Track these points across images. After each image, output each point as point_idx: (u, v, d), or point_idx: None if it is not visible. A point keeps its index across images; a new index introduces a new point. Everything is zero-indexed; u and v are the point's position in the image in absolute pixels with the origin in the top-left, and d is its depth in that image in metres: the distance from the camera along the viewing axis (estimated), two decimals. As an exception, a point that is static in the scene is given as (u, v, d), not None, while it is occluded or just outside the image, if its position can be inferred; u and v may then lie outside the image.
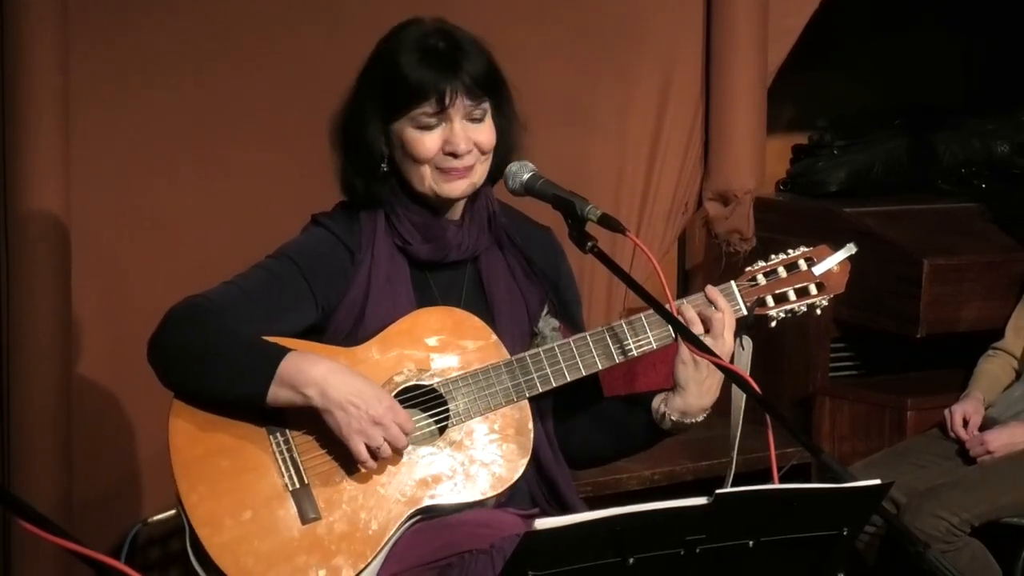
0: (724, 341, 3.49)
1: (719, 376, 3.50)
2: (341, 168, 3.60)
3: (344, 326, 3.56)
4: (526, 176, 3.53)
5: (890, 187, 6.00)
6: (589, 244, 3.46)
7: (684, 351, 3.49)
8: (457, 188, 3.54)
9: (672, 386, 3.55)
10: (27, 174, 4.17)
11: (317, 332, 3.57)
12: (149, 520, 4.16)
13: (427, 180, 3.53)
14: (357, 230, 3.61)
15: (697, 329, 3.46)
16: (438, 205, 3.59)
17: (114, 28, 4.37)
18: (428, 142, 3.50)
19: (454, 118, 3.50)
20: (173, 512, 3.58)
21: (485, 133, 3.54)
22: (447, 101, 3.49)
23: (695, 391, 3.53)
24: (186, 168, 4.48)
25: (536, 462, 3.59)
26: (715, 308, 3.52)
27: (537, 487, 3.62)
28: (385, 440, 3.41)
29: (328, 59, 4.31)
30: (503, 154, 3.59)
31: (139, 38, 4.42)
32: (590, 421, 3.71)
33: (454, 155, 3.50)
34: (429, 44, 3.52)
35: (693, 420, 3.57)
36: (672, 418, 3.56)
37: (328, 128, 3.60)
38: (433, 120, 3.50)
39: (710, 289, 3.55)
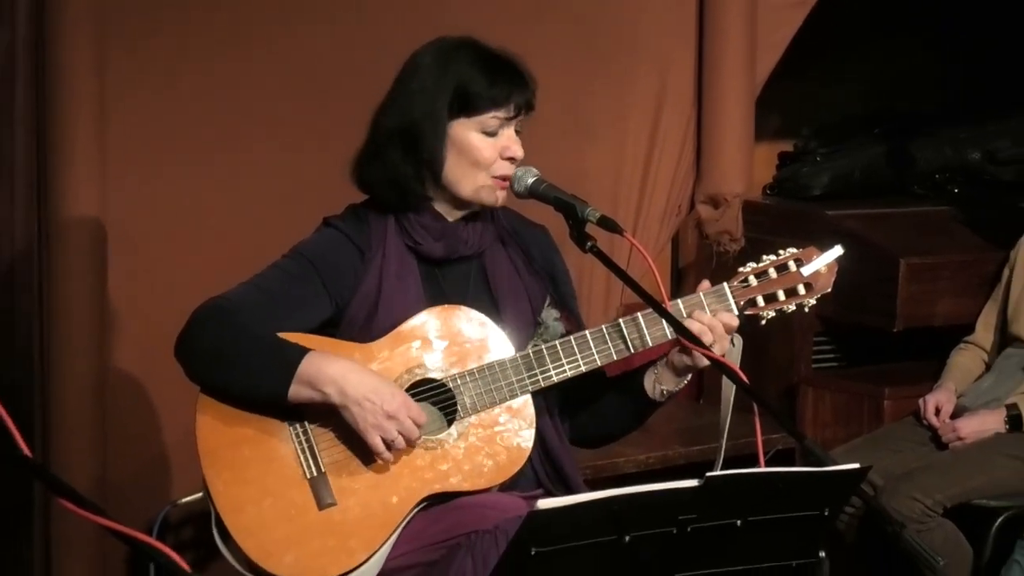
0: (721, 346, 3.50)
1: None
2: (386, 159, 3.61)
3: (357, 320, 3.56)
4: (530, 180, 3.53)
5: (869, 191, 6.00)
6: (589, 244, 3.46)
7: (675, 351, 3.51)
8: (503, 197, 3.57)
9: (665, 362, 3.57)
10: (64, 174, 4.17)
11: (332, 326, 3.56)
12: (178, 502, 4.16)
13: (478, 187, 3.54)
14: (366, 230, 3.60)
15: (707, 338, 3.46)
16: (464, 207, 3.60)
17: (147, 32, 4.36)
18: (490, 147, 3.52)
19: (511, 127, 3.54)
20: (200, 495, 3.58)
21: (521, 145, 3.57)
22: (516, 111, 3.53)
23: (686, 375, 3.57)
24: (215, 168, 4.47)
25: (543, 448, 3.59)
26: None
27: (544, 470, 3.62)
28: (399, 433, 3.42)
29: (352, 64, 4.27)
30: None
31: (171, 41, 4.41)
32: (591, 406, 3.71)
33: (512, 160, 3.53)
34: (500, 58, 3.57)
35: (678, 388, 3.60)
36: (664, 389, 3.58)
37: (373, 128, 3.59)
38: (497, 127, 3.52)
39: (704, 293, 3.57)
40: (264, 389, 3.42)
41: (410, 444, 3.46)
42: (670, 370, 3.56)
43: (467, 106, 3.53)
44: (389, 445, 3.42)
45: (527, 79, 3.56)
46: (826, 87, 6.28)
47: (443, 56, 3.57)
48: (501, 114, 3.52)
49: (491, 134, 3.53)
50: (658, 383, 3.58)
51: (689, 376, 3.59)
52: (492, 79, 3.52)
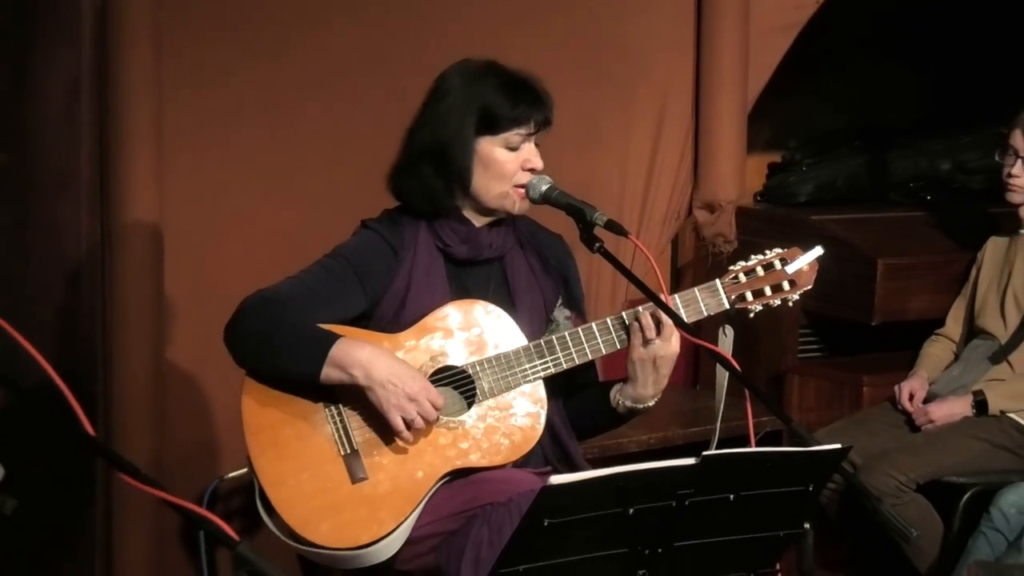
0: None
1: (665, 373, 3.53)
2: (418, 172, 3.60)
3: (388, 313, 3.57)
4: (544, 187, 3.54)
5: (850, 198, 5.99)
6: (597, 245, 3.47)
7: (637, 351, 3.52)
8: (525, 206, 3.58)
9: (625, 379, 3.58)
10: (124, 181, 4.17)
11: (365, 319, 3.57)
12: (226, 476, 4.17)
13: (503, 197, 3.55)
14: (400, 233, 3.61)
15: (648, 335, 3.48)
16: (488, 214, 3.60)
17: (200, 49, 4.34)
18: (513, 161, 3.54)
19: (531, 141, 3.56)
20: (245, 470, 3.58)
21: (540, 157, 3.58)
22: (536, 128, 3.55)
23: (643, 383, 3.55)
24: (261, 173, 4.46)
25: (551, 430, 3.60)
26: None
27: (551, 450, 3.63)
28: (418, 414, 3.42)
29: (392, 74, 4.23)
30: None
31: (221, 56, 4.40)
32: (580, 401, 3.73)
33: (533, 170, 3.54)
34: (521, 79, 3.58)
35: (644, 406, 3.59)
36: (626, 404, 3.59)
37: (407, 145, 3.60)
38: (520, 142, 3.54)
39: (699, 291, 3.57)
40: (300, 370, 3.43)
41: (429, 424, 3.46)
42: (629, 385, 3.57)
43: (492, 126, 3.54)
44: (409, 424, 3.43)
45: (545, 98, 3.57)
46: (810, 104, 6.26)
47: (469, 79, 3.57)
48: (523, 131, 3.54)
49: (514, 148, 3.54)
50: (619, 395, 3.60)
51: (651, 402, 3.59)
52: (515, 100, 3.53)
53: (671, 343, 3.49)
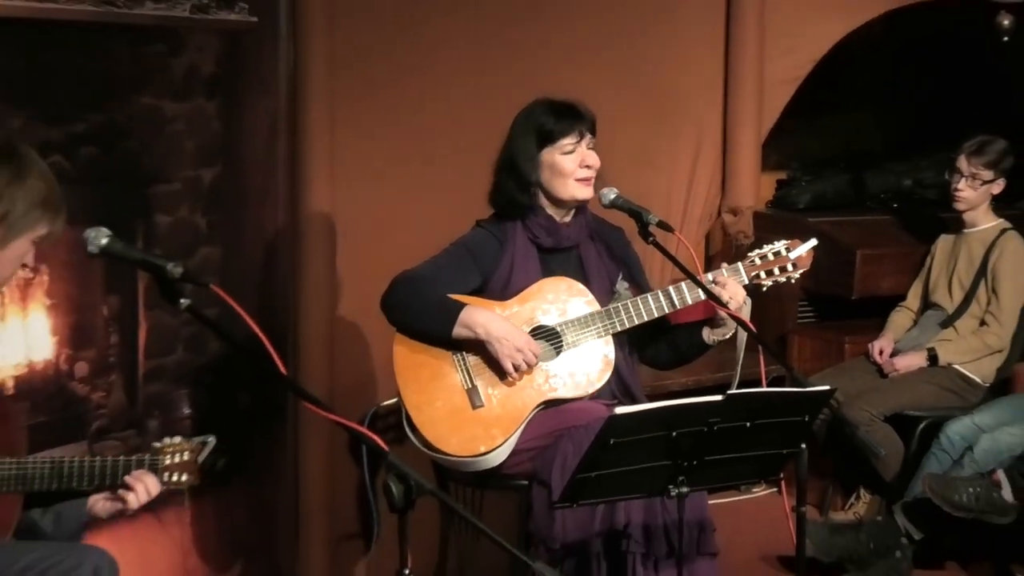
0: (736, 297, 3.47)
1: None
2: (502, 186, 3.58)
3: (496, 288, 3.58)
4: (612, 196, 3.52)
5: (837, 206, 5.92)
6: (650, 238, 3.47)
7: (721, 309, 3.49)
8: (589, 192, 3.55)
9: (712, 321, 3.58)
10: (307, 187, 4.16)
11: (479, 292, 3.58)
12: (381, 404, 4.18)
13: (570, 189, 3.54)
14: (504, 229, 3.62)
15: (724, 296, 3.46)
16: (564, 209, 3.56)
17: (365, 97, 4.31)
18: (571, 161, 3.52)
19: (583, 145, 3.53)
20: (395, 400, 3.60)
21: (596, 157, 3.56)
22: (580, 135, 3.53)
23: (724, 327, 3.57)
24: (409, 182, 4.43)
25: (616, 373, 3.58)
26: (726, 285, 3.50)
27: (617, 388, 3.63)
28: (523, 360, 3.42)
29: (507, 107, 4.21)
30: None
31: (388, 88, 4.36)
32: (659, 343, 3.71)
33: (588, 167, 3.52)
34: (564, 103, 3.57)
35: (724, 338, 3.59)
36: (713, 338, 3.58)
37: (495, 170, 3.62)
38: (572, 147, 3.51)
39: (725, 268, 3.54)
40: (436, 328, 3.45)
41: (530, 368, 3.46)
42: (718, 326, 3.57)
43: (547, 139, 3.53)
44: (517, 368, 3.43)
45: (583, 112, 3.55)
46: (807, 137, 6.22)
47: (527, 113, 3.59)
48: (572, 139, 3.52)
49: (569, 153, 3.51)
50: (711, 334, 3.59)
51: (726, 333, 3.57)
52: (558, 117, 3.53)
53: (736, 300, 3.48)
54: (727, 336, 3.59)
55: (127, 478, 2.79)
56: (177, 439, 2.88)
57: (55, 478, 2.69)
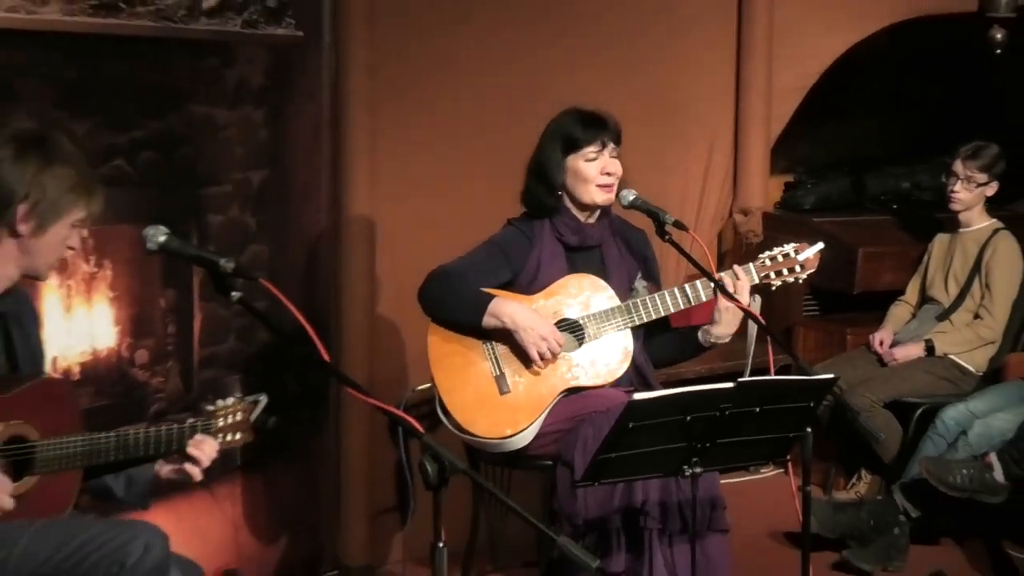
0: (744, 297, 3.47)
1: (737, 319, 3.49)
2: (531, 188, 3.59)
3: (525, 282, 3.59)
4: (631, 197, 3.53)
5: (840, 207, 5.88)
6: (667, 237, 3.48)
7: (721, 302, 3.48)
8: (609, 197, 3.54)
9: (710, 321, 3.53)
10: (347, 192, 4.17)
11: (509, 286, 3.59)
12: (416, 388, 4.18)
13: (591, 193, 3.54)
14: (533, 228, 3.62)
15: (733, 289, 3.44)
16: (588, 211, 3.56)
17: (402, 105, 4.31)
18: (594, 168, 3.51)
19: (606, 154, 3.51)
20: (429, 385, 3.61)
21: (619, 165, 3.55)
22: (603, 144, 3.52)
23: (724, 325, 3.52)
24: (444, 183, 4.42)
25: (634, 363, 3.59)
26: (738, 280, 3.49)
27: (635, 376, 3.63)
28: (548, 349, 3.43)
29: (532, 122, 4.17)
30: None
31: (418, 107, 4.35)
32: (663, 341, 3.70)
33: (608, 174, 3.51)
34: (590, 112, 3.57)
35: (721, 341, 3.56)
36: (710, 340, 3.56)
37: (526, 174, 3.63)
38: (595, 155, 3.50)
39: (737, 269, 3.53)
40: (468, 319, 3.46)
41: (554, 357, 3.47)
42: (714, 326, 3.53)
43: (572, 146, 3.53)
44: (542, 356, 3.44)
45: (608, 122, 3.54)
46: (813, 142, 6.18)
47: (556, 122, 3.59)
48: (595, 147, 3.51)
49: (592, 160, 3.51)
50: (706, 333, 3.57)
51: (726, 339, 3.54)
52: (584, 126, 3.52)
53: (742, 296, 3.47)
54: (721, 340, 3.57)
55: (189, 450, 2.78)
56: (230, 400, 2.85)
57: (120, 449, 2.70)
